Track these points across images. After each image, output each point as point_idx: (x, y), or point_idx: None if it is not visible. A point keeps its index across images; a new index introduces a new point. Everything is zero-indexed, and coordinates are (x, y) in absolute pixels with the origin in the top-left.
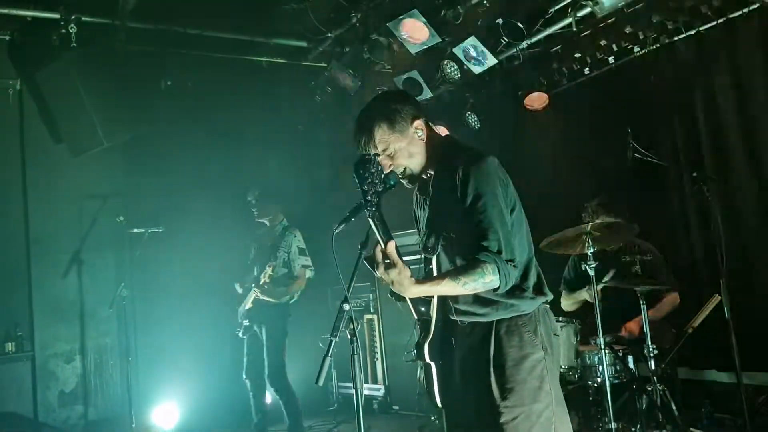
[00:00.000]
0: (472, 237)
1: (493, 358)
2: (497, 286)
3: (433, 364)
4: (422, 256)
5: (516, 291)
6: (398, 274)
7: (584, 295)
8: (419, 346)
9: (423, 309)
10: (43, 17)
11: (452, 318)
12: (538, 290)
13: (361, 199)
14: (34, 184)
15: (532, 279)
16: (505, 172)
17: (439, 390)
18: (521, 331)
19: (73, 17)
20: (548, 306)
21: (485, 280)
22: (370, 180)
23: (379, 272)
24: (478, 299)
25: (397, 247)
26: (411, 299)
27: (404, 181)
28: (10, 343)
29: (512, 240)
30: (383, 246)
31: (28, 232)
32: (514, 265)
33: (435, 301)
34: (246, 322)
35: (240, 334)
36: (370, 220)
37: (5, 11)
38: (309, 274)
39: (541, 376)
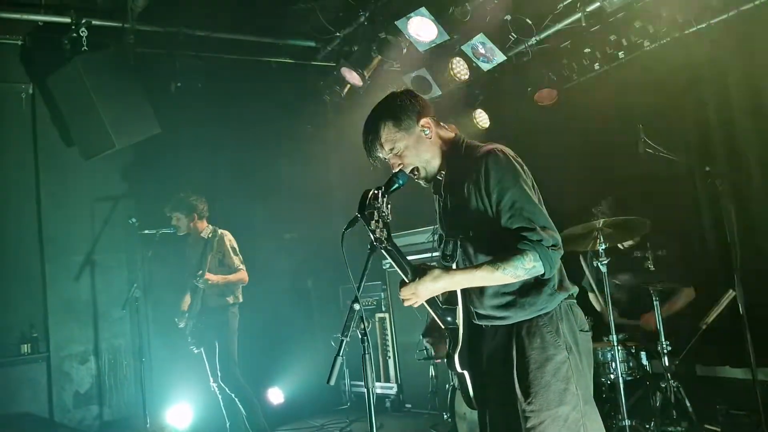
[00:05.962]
0: (505, 232)
1: (516, 361)
2: (542, 271)
3: (465, 373)
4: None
5: (534, 287)
6: (406, 291)
7: (592, 300)
8: (449, 357)
9: (449, 319)
10: (55, 22)
11: (475, 323)
12: (559, 285)
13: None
14: (47, 187)
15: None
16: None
17: (474, 395)
18: (542, 332)
19: (83, 21)
20: (574, 301)
21: (526, 266)
22: (376, 217)
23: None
24: (497, 302)
25: (405, 258)
26: (436, 313)
27: (421, 181)
28: (25, 345)
29: (550, 224)
30: (402, 274)
31: (41, 235)
32: (557, 249)
33: (460, 309)
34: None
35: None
36: (384, 253)
37: (17, 16)
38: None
39: (566, 378)
